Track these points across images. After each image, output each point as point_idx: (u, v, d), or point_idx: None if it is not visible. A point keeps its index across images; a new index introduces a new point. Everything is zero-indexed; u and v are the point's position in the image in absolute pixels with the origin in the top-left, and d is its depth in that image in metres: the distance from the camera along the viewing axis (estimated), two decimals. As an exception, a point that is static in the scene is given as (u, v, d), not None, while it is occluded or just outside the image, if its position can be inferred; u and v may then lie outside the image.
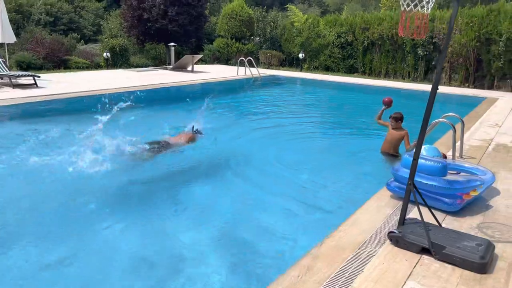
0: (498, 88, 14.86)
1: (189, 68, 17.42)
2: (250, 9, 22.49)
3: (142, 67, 18.72)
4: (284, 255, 3.77)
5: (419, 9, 3.19)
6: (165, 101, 11.62)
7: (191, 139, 7.15)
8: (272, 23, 22.58)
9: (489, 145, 6.92)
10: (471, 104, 10.99)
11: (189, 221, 4.50)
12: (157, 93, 12.29)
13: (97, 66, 18.12)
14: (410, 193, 3.52)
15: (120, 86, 12.23)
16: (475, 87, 15.22)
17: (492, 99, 12.38)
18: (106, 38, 21.60)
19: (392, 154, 6.83)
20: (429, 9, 3.18)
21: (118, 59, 18.28)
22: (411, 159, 4.24)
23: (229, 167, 6.31)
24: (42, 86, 11.59)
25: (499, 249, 3.45)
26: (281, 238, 4.14)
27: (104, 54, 17.37)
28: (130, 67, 18.29)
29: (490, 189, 4.70)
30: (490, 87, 14.99)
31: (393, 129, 6.78)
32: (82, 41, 27.13)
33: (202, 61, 20.87)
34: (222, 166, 6.36)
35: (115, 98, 10.90)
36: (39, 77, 12.02)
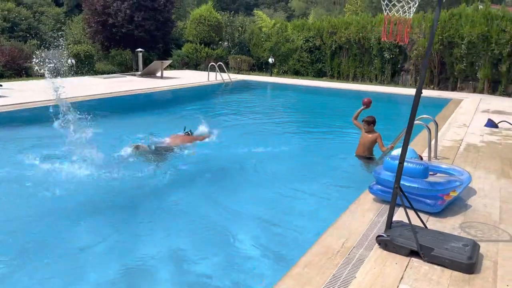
0: (461, 89, 15.40)
1: (159, 74, 17.13)
2: (218, 14, 22.40)
3: (108, 73, 18.26)
4: (272, 265, 3.71)
5: (401, 14, 3.22)
6: (137, 108, 11.37)
7: (188, 141, 7.24)
8: (240, 28, 22.58)
9: (460, 145, 7.12)
10: (438, 105, 11.31)
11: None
12: (128, 101, 12.00)
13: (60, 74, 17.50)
14: (396, 196, 3.54)
15: (88, 93, 11.85)
16: (439, 89, 15.72)
17: (457, 100, 12.81)
18: (69, 44, 20.96)
19: (367, 157, 6.92)
20: (411, 14, 3.22)
21: (84, 66, 17.77)
22: (394, 162, 4.30)
23: (203, 175, 6.20)
24: (4, 95, 11.08)
25: (482, 248, 3.52)
26: (264, 248, 4.07)
27: (69, 61, 16.83)
28: (96, 74, 17.81)
29: (467, 189, 4.81)
30: (454, 89, 15.52)
31: (366, 132, 6.88)
32: (42, 47, 26.19)
33: (171, 67, 20.58)
34: (198, 174, 6.24)
35: (86, 106, 10.67)
36: (1, 85, 11.49)
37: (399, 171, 3.51)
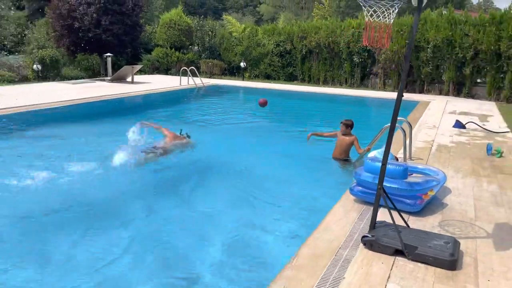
0: (428, 92, 15.91)
1: (129, 79, 16.85)
2: (189, 18, 22.28)
3: (76, 79, 17.81)
4: (261, 268, 3.71)
5: (381, 20, 3.30)
6: (109, 114, 11.13)
7: (183, 142, 7.52)
8: (210, 32, 22.53)
9: (432, 146, 7.35)
10: (407, 107, 11.64)
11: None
12: (100, 107, 11.75)
13: (25, 79, 16.97)
14: (380, 197, 3.62)
15: (58, 100, 11.53)
16: (407, 91, 16.16)
17: (425, 102, 13.23)
18: (33, 49, 20.31)
19: (344, 159, 7.05)
20: (392, 20, 3.31)
21: (49, 71, 17.27)
22: (374, 163, 4.40)
23: (182, 180, 6.15)
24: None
25: (462, 245, 3.64)
26: (248, 253, 4.07)
27: (34, 66, 16.32)
28: (63, 80, 17.33)
29: (443, 188, 4.97)
30: (421, 91, 16.01)
31: (343, 135, 7.01)
32: (3, 52, 25.26)
33: (141, 72, 20.28)
34: (180, 178, 6.19)
35: (55, 113, 10.38)
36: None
37: (382, 173, 3.59)
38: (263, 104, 7.37)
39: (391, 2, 3.24)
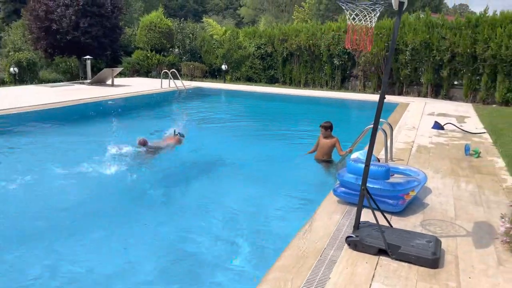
0: (407, 93, 16.19)
1: (109, 82, 16.64)
2: (169, 20, 22.14)
3: (54, 82, 17.49)
4: (247, 271, 3.71)
5: (363, 23, 3.36)
6: (91, 118, 10.98)
7: (177, 142, 7.77)
8: (191, 35, 22.44)
9: (412, 147, 7.49)
10: (387, 109, 11.81)
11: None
12: (79, 110, 11.57)
13: (1, 83, 16.59)
14: (363, 197, 3.67)
15: (37, 103, 11.33)
16: (387, 93, 16.38)
17: (404, 104, 13.46)
18: (9, 52, 19.87)
19: (326, 161, 7.11)
20: (373, 23, 3.37)
21: (26, 74, 16.93)
22: (357, 165, 4.46)
23: (168, 181, 6.12)
24: None
25: (443, 243, 3.71)
26: (234, 254, 4.07)
27: (11, 69, 15.96)
28: (40, 83, 17.01)
29: (423, 188, 5.07)
30: (400, 93, 16.28)
31: (324, 137, 7.07)
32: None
33: (121, 74, 20.06)
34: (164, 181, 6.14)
35: (35, 116, 10.20)
36: None
37: (365, 174, 3.64)
38: (142, 143, 7.40)
39: (372, 6, 3.29)
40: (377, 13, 3.36)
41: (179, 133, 8.04)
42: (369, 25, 3.40)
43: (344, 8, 3.43)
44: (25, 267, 3.80)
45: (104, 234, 4.41)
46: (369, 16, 3.39)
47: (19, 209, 5.02)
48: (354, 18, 3.39)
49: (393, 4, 3.11)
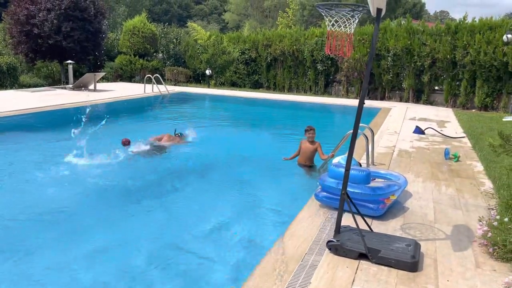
0: (389, 98, 16.41)
1: (91, 87, 16.46)
2: (153, 25, 22.04)
3: (35, 87, 17.24)
4: (226, 277, 3.69)
5: (343, 29, 3.40)
6: (73, 123, 10.83)
7: (178, 141, 8.38)
8: (175, 40, 22.38)
9: (393, 151, 7.58)
10: (370, 114, 11.97)
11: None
12: (62, 115, 11.42)
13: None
14: (344, 202, 3.70)
15: (18, 108, 11.15)
16: (369, 98, 16.62)
17: (386, 109, 13.63)
18: (-11, 56, 19.50)
19: (309, 166, 7.15)
20: (352, 30, 3.41)
21: (6, 79, 16.63)
22: (338, 169, 4.49)
23: (151, 187, 6.06)
24: None
25: (422, 247, 3.76)
26: (214, 260, 4.04)
27: (-10, 73, 15.67)
28: (20, 87, 16.73)
29: (404, 192, 5.13)
30: (383, 98, 16.50)
31: (308, 142, 7.11)
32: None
33: (103, 79, 19.87)
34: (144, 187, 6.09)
35: (15, 121, 10.03)
36: None
37: (346, 178, 3.67)
38: (125, 143, 7.98)
39: (351, 12, 3.34)
40: (356, 19, 3.41)
41: (179, 132, 8.62)
42: (349, 31, 3.44)
43: (323, 14, 3.47)
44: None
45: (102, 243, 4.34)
46: (348, 23, 3.43)
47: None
48: (333, 25, 3.42)
49: (371, 11, 3.16)
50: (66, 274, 3.70)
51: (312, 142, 7.07)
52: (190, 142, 8.69)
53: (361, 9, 3.29)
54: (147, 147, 7.85)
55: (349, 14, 3.41)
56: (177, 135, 8.56)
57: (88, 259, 3.93)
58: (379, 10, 3.21)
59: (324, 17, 3.42)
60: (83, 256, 3.96)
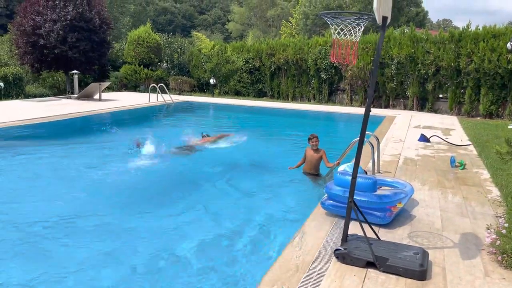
0: (393, 106, 16.40)
1: (96, 97, 16.56)
2: (157, 35, 22.21)
3: (40, 96, 17.37)
4: (237, 282, 3.67)
5: (348, 37, 3.41)
6: (80, 132, 10.94)
7: (209, 141, 9.44)
8: (179, 49, 22.53)
9: (399, 159, 7.55)
10: (374, 122, 11.94)
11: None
12: (68, 125, 11.52)
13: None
14: (351, 210, 3.68)
15: (25, 118, 11.25)
16: (374, 106, 16.60)
17: (391, 117, 13.62)
18: (-5, 67, 19.70)
19: (314, 174, 7.13)
20: (358, 38, 3.42)
21: (12, 89, 16.79)
22: (344, 177, 4.48)
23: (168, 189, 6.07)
24: None
25: (430, 255, 3.73)
26: (222, 269, 4.03)
27: (-3, 84, 15.81)
28: (26, 97, 16.87)
29: (410, 200, 5.11)
30: (387, 106, 16.49)
31: (312, 150, 7.09)
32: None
33: (108, 89, 19.99)
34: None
35: (22, 131, 10.13)
36: None
37: (352, 186, 3.65)
38: (137, 145, 8.52)
39: (357, 20, 3.35)
40: (361, 27, 3.42)
41: (206, 134, 9.64)
42: (354, 39, 3.45)
43: (329, 22, 3.49)
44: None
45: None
46: (353, 31, 3.44)
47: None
48: (339, 33, 3.44)
49: (376, 19, 3.17)
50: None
51: (316, 150, 7.06)
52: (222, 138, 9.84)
53: (366, 17, 3.31)
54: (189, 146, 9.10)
55: (354, 22, 3.43)
56: (204, 136, 9.62)
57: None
58: (384, 18, 3.23)
59: (330, 25, 3.44)
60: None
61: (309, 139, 7.10)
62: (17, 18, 19.06)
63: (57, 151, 8.49)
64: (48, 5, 18.02)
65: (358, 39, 3.42)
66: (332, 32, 3.45)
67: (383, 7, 3.13)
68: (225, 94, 20.40)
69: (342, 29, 3.42)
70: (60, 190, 6.15)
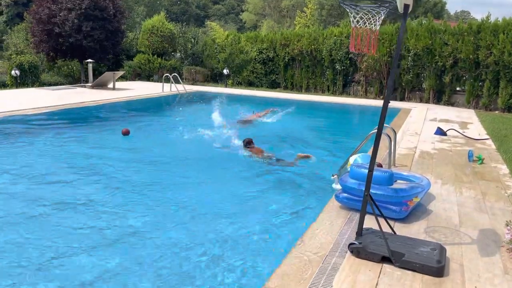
0: (409, 99, 16.13)
1: (110, 86, 16.62)
2: (171, 24, 22.15)
3: (55, 85, 17.50)
4: (247, 278, 3.63)
5: (368, 26, 3.30)
6: (93, 120, 11.03)
7: (259, 116, 11.55)
8: (193, 39, 22.45)
9: (415, 153, 7.41)
10: (390, 114, 11.74)
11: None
12: (84, 112, 11.64)
13: (3, 85, 16.60)
14: (367, 203, 3.60)
15: (41, 105, 11.38)
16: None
17: (406, 109, 13.40)
18: (11, 55, 19.90)
19: None
20: (378, 26, 3.31)
21: (28, 77, 16.93)
22: (360, 170, 4.39)
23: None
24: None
25: (448, 251, 3.64)
26: (236, 261, 3.99)
27: (13, 72, 15.95)
28: (42, 86, 17.00)
29: (427, 194, 5.00)
30: (402, 99, 16.23)
31: None
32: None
33: (122, 78, 20.05)
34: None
35: (39, 118, 10.25)
36: None
37: (369, 179, 3.57)
38: (125, 133, 8.82)
39: (377, 8, 3.24)
40: (381, 16, 3.31)
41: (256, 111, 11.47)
42: (374, 28, 3.34)
43: (348, 10, 3.38)
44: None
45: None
46: (373, 19, 3.33)
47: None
48: (358, 21, 3.33)
49: (398, 7, 3.06)
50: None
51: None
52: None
53: (387, 5, 3.19)
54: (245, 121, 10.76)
55: (374, 10, 3.32)
56: (254, 112, 11.54)
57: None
58: (406, 6, 3.11)
59: (349, 13, 3.33)
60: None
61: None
62: (33, 6, 19.19)
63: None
64: (63, -6, 18.09)
65: (378, 28, 3.31)
66: (351, 20, 3.34)
67: (405, -6, 3.02)
68: (238, 84, 20.30)
69: (361, 17, 3.31)
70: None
